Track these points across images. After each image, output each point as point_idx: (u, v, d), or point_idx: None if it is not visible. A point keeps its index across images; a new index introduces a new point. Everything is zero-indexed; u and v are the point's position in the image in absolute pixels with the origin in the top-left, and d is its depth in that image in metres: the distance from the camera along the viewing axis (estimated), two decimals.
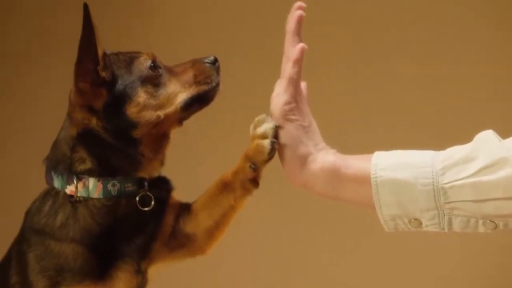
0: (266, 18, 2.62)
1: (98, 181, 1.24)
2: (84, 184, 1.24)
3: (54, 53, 2.75)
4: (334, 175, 1.02)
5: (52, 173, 1.27)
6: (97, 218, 1.25)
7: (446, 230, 0.96)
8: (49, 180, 1.28)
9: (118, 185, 1.25)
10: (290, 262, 2.65)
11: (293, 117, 1.07)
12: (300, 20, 1.10)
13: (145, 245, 1.28)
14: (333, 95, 2.51)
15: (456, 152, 0.97)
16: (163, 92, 1.27)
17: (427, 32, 2.61)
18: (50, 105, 2.37)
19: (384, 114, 2.60)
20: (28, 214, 1.30)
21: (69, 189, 1.25)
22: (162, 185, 1.32)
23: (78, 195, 1.24)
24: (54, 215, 1.26)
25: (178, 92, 1.28)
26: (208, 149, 2.62)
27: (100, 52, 1.24)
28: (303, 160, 1.05)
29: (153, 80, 1.27)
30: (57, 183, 1.26)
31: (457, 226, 0.96)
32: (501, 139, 0.97)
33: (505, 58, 2.53)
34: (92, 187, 1.24)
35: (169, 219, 1.31)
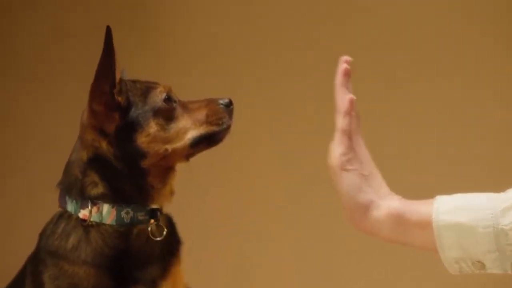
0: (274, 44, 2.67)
1: (112, 207, 1.27)
2: (98, 209, 1.27)
3: (61, 75, 2.78)
4: (399, 221, 1.03)
5: (67, 197, 1.29)
6: (109, 242, 1.28)
7: (509, 272, 0.98)
8: (63, 204, 1.30)
9: (131, 213, 1.28)
10: (290, 263, 2.67)
11: (351, 167, 1.05)
12: (346, 74, 1.11)
13: (158, 276, 1.30)
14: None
15: None
16: (174, 126, 1.30)
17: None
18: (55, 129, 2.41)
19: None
20: (42, 235, 1.33)
21: (82, 213, 1.27)
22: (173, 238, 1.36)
23: (91, 219, 1.27)
24: (66, 238, 1.29)
25: (189, 129, 1.31)
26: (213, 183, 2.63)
27: (117, 76, 1.26)
28: (366, 207, 1.04)
29: (165, 113, 1.30)
30: (70, 207, 1.29)
31: None
32: None
33: None
34: (105, 213, 1.27)
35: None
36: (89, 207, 1.27)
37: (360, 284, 2.59)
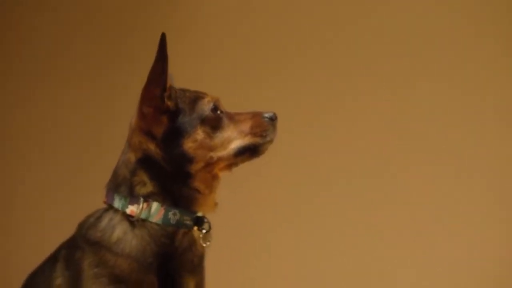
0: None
1: (161, 206, 1.30)
2: (147, 206, 1.30)
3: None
4: None
5: (115, 195, 1.33)
6: (156, 239, 1.30)
7: None
8: (110, 201, 1.33)
9: (178, 215, 1.31)
10: (290, 264, 2.68)
11: None
12: None
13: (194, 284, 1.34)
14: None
15: None
16: (219, 135, 1.34)
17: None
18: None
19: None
20: (82, 227, 1.36)
21: (130, 209, 1.30)
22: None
23: (141, 217, 1.30)
24: (111, 230, 1.31)
25: (234, 139, 1.34)
26: None
27: (168, 82, 1.31)
28: None
29: (212, 122, 1.33)
30: (117, 203, 1.32)
31: None
32: None
33: None
34: (154, 211, 1.30)
35: None
36: (141, 204, 1.29)
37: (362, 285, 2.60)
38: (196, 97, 1.36)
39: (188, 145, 1.31)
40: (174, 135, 1.31)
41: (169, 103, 1.32)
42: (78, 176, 2.72)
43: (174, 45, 2.71)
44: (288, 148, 2.56)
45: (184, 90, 1.38)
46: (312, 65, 2.64)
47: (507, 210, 2.45)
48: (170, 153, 1.31)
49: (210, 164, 1.33)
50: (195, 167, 1.32)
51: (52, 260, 1.38)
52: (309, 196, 2.63)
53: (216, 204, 1.39)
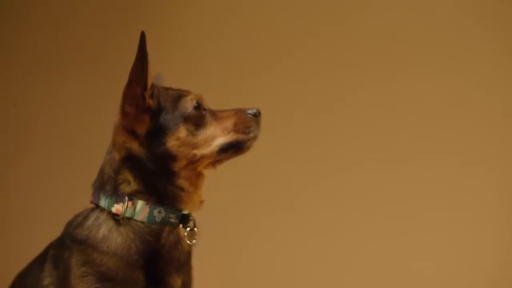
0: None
1: (146, 204, 1.31)
2: (132, 204, 1.30)
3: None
4: None
5: (101, 194, 1.33)
6: (140, 236, 1.31)
7: None
8: (96, 200, 1.34)
9: (163, 213, 1.31)
10: (289, 266, 2.68)
11: None
12: None
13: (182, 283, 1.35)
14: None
15: None
16: (203, 133, 1.34)
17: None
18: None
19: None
20: (69, 226, 1.37)
21: (116, 208, 1.31)
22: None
23: (126, 215, 1.31)
24: (96, 229, 1.32)
25: (217, 136, 1.35)
26: None
27: (149, 80, 1.31)
28: None
29: (195, 119, 1.33)
30: (103, 202, 1.33)
31: None
32: None
33: None
34: (139, 209, 1.31)
35: None
36: (125, 202, 1.30)
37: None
38: (179, 95, 1.36)
39: (171, 143, 1.32)
40: (156, 133, 1.32)
41: (150, 101, 1.32)
42: (69, 174, 2.73)
43: (166, 43, 2.79)
44: (276, 144, 2.58)
45: (167, 89, 1.38)
46: (303, 62, 2.65)
47: (508, 209, 2.45)
48: (153, 151, 1.31)
49: (193, 162, 1.33)
50: (178, 165, 1.32)
51: (40, 259, 1.39)
52: (298, 191, 2.64)
53: (202, 201, 1.39)
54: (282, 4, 2.78)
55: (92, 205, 1.37)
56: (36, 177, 2.85)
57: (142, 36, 1.30)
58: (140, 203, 1.30)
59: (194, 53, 2.81)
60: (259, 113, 1.38)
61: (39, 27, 2.94)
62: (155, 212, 1.30)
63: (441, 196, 2.52)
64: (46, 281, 1.33)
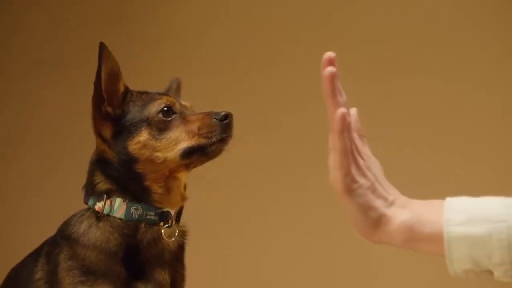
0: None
1: (124, 201, 1.35)
2: (111, 202, 1.35)
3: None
4: (409, 234, 0.99)
5: (88, 194, 1.40)
6: (118, 229, 1.35)
7: None
8: (86, 200, 1.40)
9: (140, 210, 1.35)
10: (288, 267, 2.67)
11: (355, 185, 0.98)
12: (333, 78, 0.97)
13: (165, 281, 1.37)
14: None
15: None
16: (166, 137, 1.35)
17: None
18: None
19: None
20: (63, 224, 1.42)
21: (97, 206, 1.36)
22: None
23: (104, 212, 1.35)
24: (79, 224, 1.37)
25: (181, 140, 1.36)
26: None
27: (109, 89, 1.37)
28: (376, 223, 0.99)
29: (159, 124, 1.36)
30: (90, 202, 1.38)
31: None
32: None
33: None
34: (117, 207, 1.35)
35: None
36: (104, 200, 1.35)
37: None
38: (150, 99, 1.39)
39: (132, 146, 1.35)
40: (120, 137, 1.36)
41: (108, 109, 1.37)
42: (65, 174, 2.71)
43: (162, 43, 2.79)
44: (273, 144, 2.61)
45: (142, 93, 1.41)
46: (301, 63, 2.64)
47: None
48: (118, 154, 1.36)
49: (157, 164, 1.35)
50: (141, 167, 1.35)
51: (35, 255, 1.43)
52: (291, 191, 2.64)
53: (184, 199, 1.41)
54: (282, 4, 2.78)
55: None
56: (33, 178, 2.85)
57: (101, 47, 1.34)
58: (118, 200, 1.34)
59: (190, 54, 2.81)
60: (226, 117, 1.37)
61: (33, 27, 2.94)
62: (132, 209, 1.34)
63: (441, 196, 2.51)
64: (38, 275, 1.37)
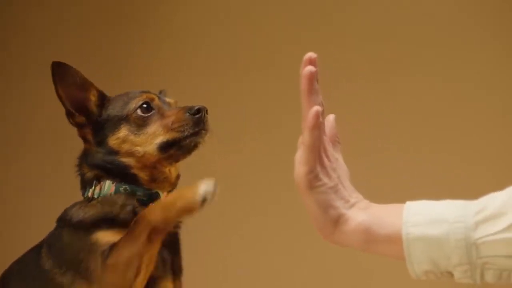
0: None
1: (112, 183, 1.40)
2: (100, 187, 1.40)
3: None
4: (367, 236, 1.00)
5: (83, 187, 1.45)
6: (107, 202, 1.39)
7: (478, 282, 0.96)
8: (83, 193, 1.44)
9: (129, 190, 1.40)
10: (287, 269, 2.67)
11: (318, 183, 1.01)
12: (312, 78, 1.01)
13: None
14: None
15: (488, 204, 0.95)
16: (144, 132, 1.40)
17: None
18: None
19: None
20: (57, 219, 1.46)
21: (90, 192, 1.41)
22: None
23: (95, 196, 1.40)
24: (71, 209, 1.42)
25: (158, 134, 1.40)
26: None
27: (78, 102, 1.44)
28: (335, 222, 1.01)
29: (138, 120, 1.41)
30: (86, 193, 1.43)
31: (490, 278, 0.95)
32: None
33: None
34: (106, 188, 1.40)
35: None
36: (93, 185, 1.40)
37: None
38: (129, 99, 1.44)
39: (112, 142, 1.41)
40: (101, 137, 1.42)
41: (80, 120, 1.44)
42: (65, 174, 2.73)
43: (160, 43, 2.79)
44: (270, 144, 2.60)
45: (122, 95, 1.46)
46: (299, 63, 2.65)
47: None
48: (102, 149, 1.42)
49: (138, 158, 1.40)
50: (124, 159, 1.40)
51: (37, 248, 1.45)
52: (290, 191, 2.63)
53: (172, 185, 1.44)
54: (282, 4, 2.79)
55: None
56: (33, 178, 2.85)
57: (52, 69, 1.42)
58: (107, 183, 1.39)
59: (190, 54, 2.82)
60: (198, 111, 1.40)
61: (33, 27, 2.94)
62: (121, 189, 1.39)
63: (441, 196, 2.51)
64: (47, 266, 1.38)
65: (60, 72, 1.43)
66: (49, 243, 1.42)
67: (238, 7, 2.83)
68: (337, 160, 1.06)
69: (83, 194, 1.43)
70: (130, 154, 1.40)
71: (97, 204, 1.38)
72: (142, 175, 1.40)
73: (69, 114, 1.45)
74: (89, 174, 1.42)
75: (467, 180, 2.45)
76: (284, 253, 2.65)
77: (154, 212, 1.29)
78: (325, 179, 1.01)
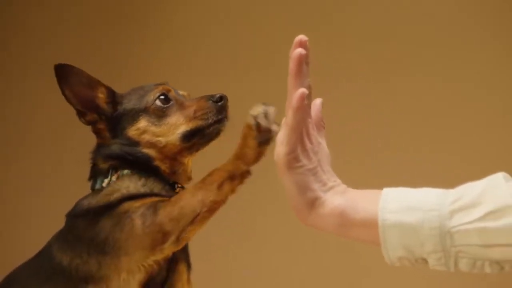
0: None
1: (131, 173, 1.37)
2: (118, 175, 1.37)
3: None
4: (342, 219, 1.01)
5: (95, 179, 1.40)
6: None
7: (452, 270, 0.96)
8: (93, 186, 1.40)
9: (147, 185, 1.36)
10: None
11: (297, 164, 1.02)
12: (301, 60, 1.02)
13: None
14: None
15: (465, 193, 0.96)
16: (165, 122, 1.39)
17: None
18: None
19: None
20: (67, 214, 1.41)
21: (105, 182, 1.38)
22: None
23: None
24: (83, 200, 1.37)
25: (180, 124, 1.39)
26: None
27: (87, 100, 1.42)
28: (311, 204, 1.02)
29: (157, 111, 1.40)
30: (98, 185, 1.39)
31: (463, 266, 0.95)
32: (511, 180, 0.96)
33: None
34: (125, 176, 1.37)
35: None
36: (110, 175, 1.37)
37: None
38: (145, 91, 1.43)
39: (132, 132, 1.39)
40: (118, 131, 1.40)
41: (92, 117, 1.42)
42: (65, 175, 2.73)
43: (160, 43, 2.79)
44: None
45: (138, 89, 1.45)
46: None
47: None
48: (120, 140, 1.40)
49: (160, 148, 1.38)
50: (145, 149, 1.38)
51: (43, 252, 1.40)
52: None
53: (188, 178, 1.43)
54: (282, 4, 2.79)
55: None
56: (33, 178, 2.85)
57: (55, 71, 1.41)
58: (125, 171, 1.37)
59: (190, 54, 2.82)
60: (221, 99, 1.40)
61: (33, 27, 2.94)
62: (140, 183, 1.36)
63: None
64: (65, 261, 1.34)
65: (64, 74, 1.41)
66: (61, 239, 1.37)
67: (238, 7, 2.83)
68: (319, 144, 1.06)
69: (92, 186, 1.40)
70: (151, 145, 1.38)
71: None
72: (164, 167, 1.39)
73: (79, 114, 1.43)
74: (103, 165, 1.39)
75: (467, 180, 2.44)
76: (284, 253, 2.65)
77: (229, 161, 1.27)
78: (304, 161, 1.02)
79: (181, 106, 1.41)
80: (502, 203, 0.92)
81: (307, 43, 1.01)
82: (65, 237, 1.37)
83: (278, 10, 2.77)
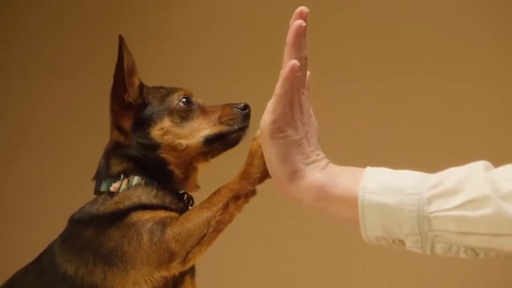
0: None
1: (142, 179, 1.34)
2: (128, 181, 1.34)
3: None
4: (321, 193, 1.01)
5: (101, 181, 1.36)
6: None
7: (428, 253, 0.98)
8: (97, 187, 1.37)
9: (159, 196, 1.34)
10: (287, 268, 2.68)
11: (281, 134, 1.03)
12: (299, 32, 1.02)
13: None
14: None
15: (446, 179, 0.96)
16: (188, 125, 1.38)
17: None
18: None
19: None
20: (69, 219, 1.38)
21: (113, 186, 1.34)
22: None
23: (120, 191, 1.34)
24: (90, 206, 1.34)
25: (203, 128, 1.39)
26: None
27: (129, 81, 1.39)
28: (291, 176, 1.03)
29: (180, 113, 1.39)
30: (103, 187, 1.35)
31: (439, 250, 0.97)
32: (491, 169, 0.98)
33: None
34: (135, 184, 1.34)
35: None
36: (121, 179, 1.34)
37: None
38: (168, 92, 1.42)
39: (155, 132, 1.37)
40: (141, 126, 1.38)
41: (130, 99, 1.39)
42: (65, 175, 2.74)
43: (161, 43, 2.78)
44: None
45: (158, 88, 1.44)
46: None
47: None
48: (139, 142, 1.37)
49: (179, 151, 1.37)
50: (164, 152, 1.36)
51: (48, 256, 1.38)
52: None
53: (197, 188, 1.42)
54: (282, 4, 2.79)
55: None
56: (33, 178, 2.86)
57: (120, 40, 1.37)
58: (136, 178, 1.34)
59: (190, 54, 2.82)
60: (246, 107, 1.41)
61: (33, 27, 2.95)
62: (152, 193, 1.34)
63: None
64: (70, 270, 1.31)
65: (125, 46, 1.38)
66: (65, 246, 1.34)
67: (238, 7, 2.84)
68: (310, 116, 1.07)
69: (97, 189, 1.36)
70: (171, 148, 1.36)
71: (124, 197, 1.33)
72: (178, 173, 1.37)
73: (122, 92, 1.38)
74: (118, 167, 1.36)
75: None
76: (286, 252, 2.66)
77: (235, 180, 1.26)
78: (290, 131, 1.03)
79: (203, 111, 1.41)
80: (481, 193, 0.93)
81: (308, 15, 1.02)
82: (70, 245, 1.34)
83: (278, 10, 2.77)
